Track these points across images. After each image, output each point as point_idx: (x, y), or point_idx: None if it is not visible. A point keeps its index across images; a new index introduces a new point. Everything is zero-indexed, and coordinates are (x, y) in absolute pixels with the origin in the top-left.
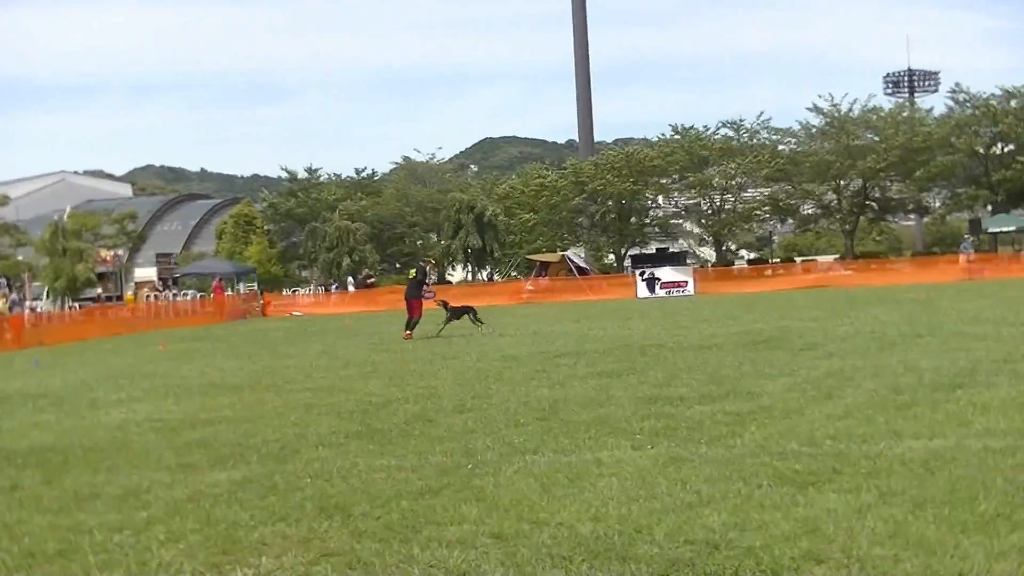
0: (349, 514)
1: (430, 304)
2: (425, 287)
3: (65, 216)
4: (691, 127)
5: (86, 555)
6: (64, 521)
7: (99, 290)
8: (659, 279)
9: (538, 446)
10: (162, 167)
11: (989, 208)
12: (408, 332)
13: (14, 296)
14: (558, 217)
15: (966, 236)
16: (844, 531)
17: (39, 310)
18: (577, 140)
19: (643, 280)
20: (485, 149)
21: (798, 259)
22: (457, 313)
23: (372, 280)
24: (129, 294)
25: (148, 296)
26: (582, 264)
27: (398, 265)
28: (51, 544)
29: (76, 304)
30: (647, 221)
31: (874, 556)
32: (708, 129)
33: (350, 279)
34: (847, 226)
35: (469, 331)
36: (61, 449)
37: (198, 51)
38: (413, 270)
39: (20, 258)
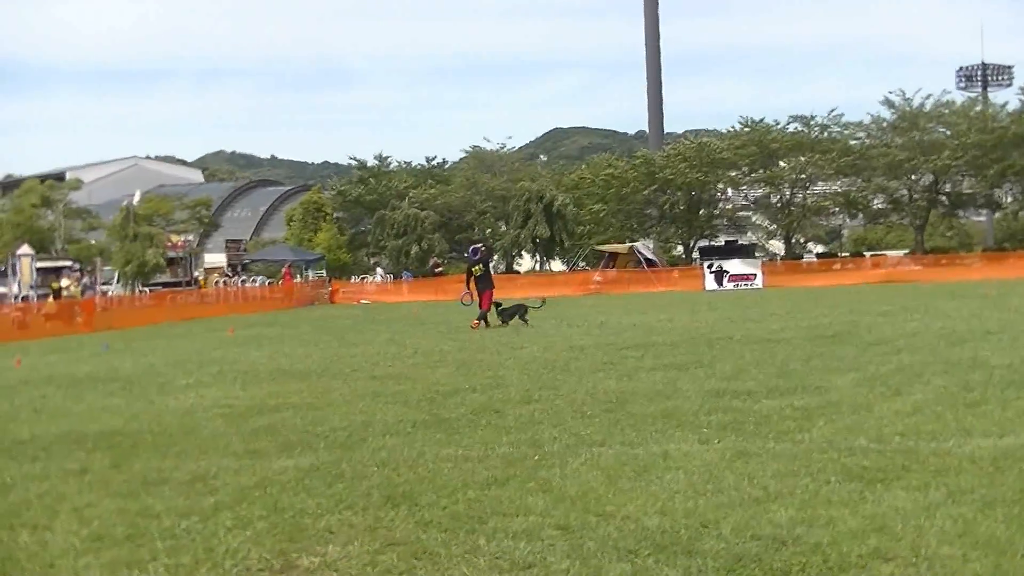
0: (415, 503)
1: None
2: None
3: (136, 200)
4: (761, 120)
5: (154, 540)
6: (132, 505)
7: (197, 274)
8: (727, 272)
9: (605, 438)
10: (233, 153)
11: None
12: (477, 322)
13: (86, 280)
14: (627, 208)
15: None
16: (912, 529)
17: (109, 294)
18: (647, 131)
19: (711, 272)
20: (554, 139)
21: (867, 253)
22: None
23: (440, 269)
24: (202, 279)
25: (217, 282)
26: (650, 256)
27: (466, 255)
28: (119, 528)
29: (146, 289)
30: (716, 213)
31: (942, 555)
32: (778, 123)
33: (380, 269)
34: (917, 221)
35: (535, 322)
36: (130, 433)
37: (270, 36)
38: (481, 266)
39: (92, 242)
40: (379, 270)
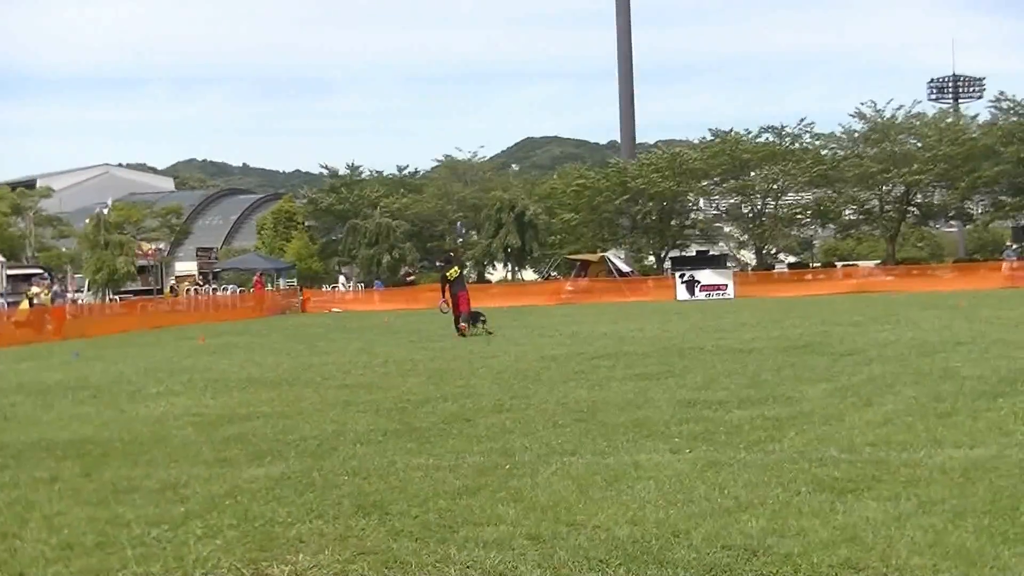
0: (386, 512)
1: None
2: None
3: (107, 208)
4: (731, 130)
5: (124, 548)
6: (102, 514)
7: (171, 282)
8: (699, 281)
9: (576, 448)
10: (204, 161)
11: None
12: (464, 325)
13: (56, 288)
14: (599, 217)
15: (1008, 243)
16: (883, 539)
17: (80, 302)
18: (619, 140)
19: (683, 282)
20: (526, 148)
21: (839, 264)
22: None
23: (412, 278)
24: (168, 290)
25: (188, 290)
26: (623, 265)
27: (438, 263)
28: (89, 537)
29: (116, 297)
30: (688, 223)
31: (913, 565)
32: (749, 133)
33: (341, 278)
34: (889, 232)
35: (507, 331)
36: (100, 442)
37: (242, 45)
38: (456, 268)
39: (63, 250)
40: (341, 278)
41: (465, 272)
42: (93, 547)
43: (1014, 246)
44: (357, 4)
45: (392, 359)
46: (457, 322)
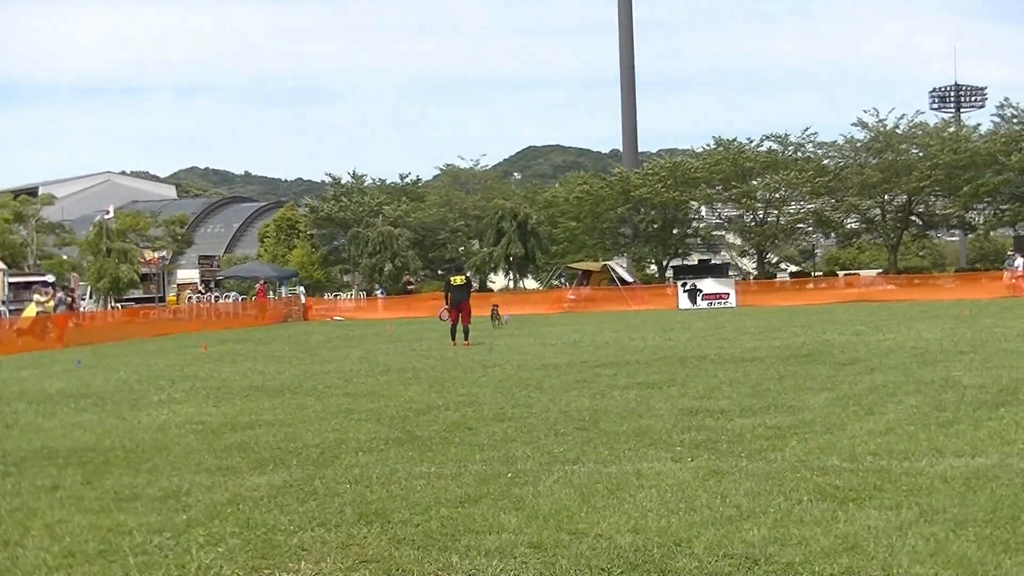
0: (388, 521)
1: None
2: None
3: (109, 216)
4: (734, 139)
5: (126, 556)
6: (104, 521)
7: (171, 293)
8: (700, 290)
9: (578, 456)
10: (207, 169)
11: None
12: (467, 341)
13: (60, 295)
14: (601, 226)
15: (1011, 252)
16: (884, 548)
17: (82, 309)
18: (621, 149)
19: (684, 291)
20: (528, 157)
21: (841, 273)
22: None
23: (412, 287)
24: (171, 296)
25: (190, 298)
26: (624, 274)
27: (440, 272)
28: (91, 544)
29: (118, 305)
30: (690, 232)
31: (914, 574)
32: (752, 141)
33: (301, 289)
34: (891, 241)
35: (509, 339)
36: (102, 449)
37: (245, 54)
38: (461, 277)
39: (65, 257)
40: (300, 289)
41: (472, 283)
42: (95, 555)
43: (1016, 255)
44: (359, 13)
45: (393, 367)
46: (453, 332)
